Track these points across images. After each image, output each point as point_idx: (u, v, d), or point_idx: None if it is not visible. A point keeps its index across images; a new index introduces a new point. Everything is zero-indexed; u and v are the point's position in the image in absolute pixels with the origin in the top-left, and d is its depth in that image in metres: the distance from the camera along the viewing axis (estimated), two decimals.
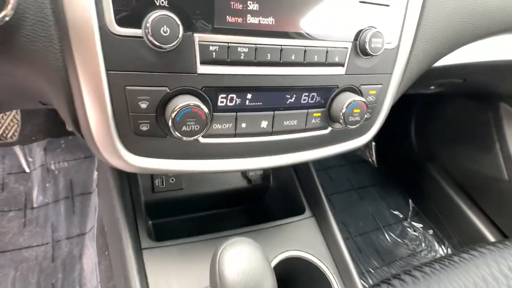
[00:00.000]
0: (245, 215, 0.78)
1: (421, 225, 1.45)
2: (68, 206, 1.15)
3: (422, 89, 0.87)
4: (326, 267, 0.62)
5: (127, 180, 0.61)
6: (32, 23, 0.34)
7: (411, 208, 1.51)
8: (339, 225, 1.17)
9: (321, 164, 1.53)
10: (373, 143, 1.65)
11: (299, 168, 0.73)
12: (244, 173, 0.77)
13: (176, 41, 0.35)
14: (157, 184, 0.69)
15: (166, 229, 0.66)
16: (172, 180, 0.70)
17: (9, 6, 0.30)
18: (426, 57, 0.57)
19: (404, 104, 0.65)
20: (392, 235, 1.40)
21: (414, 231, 1.43)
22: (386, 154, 1.64)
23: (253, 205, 0.79)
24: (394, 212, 1.49)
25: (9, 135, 1.13)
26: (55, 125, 1.23)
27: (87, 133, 0.40)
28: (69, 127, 1.12)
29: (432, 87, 0.85)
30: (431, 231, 1.43)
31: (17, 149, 1.21)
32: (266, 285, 0.37)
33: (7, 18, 0.30)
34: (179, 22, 0.35)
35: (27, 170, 1.18)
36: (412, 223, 1.46)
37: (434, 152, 1.43)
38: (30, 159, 1.20)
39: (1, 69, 0.37)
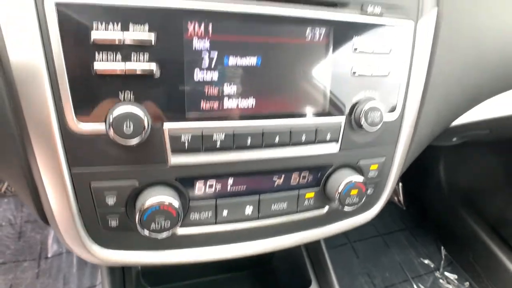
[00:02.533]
0: (249, 281, 0.73)
1: (456, 276, 1.32)
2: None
3: (443, 142, 0.80)
4: None
5: None
6: None
7: (443, 256, 1.38)
8: (364, 276, 1.08)
9: None
10: (400, 184, 1.55)
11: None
12: None
13: (142, 136, 0.33)
14: None
15: None
16: None
17: None
18: (438, 121, 0.51)
19: (430, 148, 0.59)
20: (423, 287, 1.28)
21: (448, 283, 1.30)
22: (414, 195, 1.54)
23: (259, 272, 0.73)
24: (425, 261, 1.37)
25: None
26: None
27: (53, 225, 0.38)
28: None
29: (455, 139, 0.78)
30: (467, 284, 1.30)
31: None
32: None
33: None
34: (145, 116, 0.32)
35: None
36: (445, 273, 1.33)
37: (466, 195, 1.31)
38: None
39: None
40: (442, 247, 1.39)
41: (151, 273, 0.65)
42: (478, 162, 1.25)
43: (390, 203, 1.57)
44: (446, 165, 1.38)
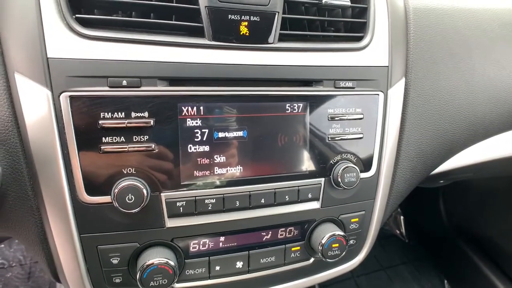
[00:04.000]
0: None
1: None
2: None
3: (431, 184, 0.83)
4: None
5: None
6: (14, 198, 0.38)
7: None
8: None
9: None
10: (401, 217, 1.57)
11: None
12: None
13: (142, 205, 0.38)
14: None
15: None
16: None
17: None
18: (413, 175, 0.56)
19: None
20: None
21: None
22: (416, 228, 1.55)
23: None
24: None
25: None
26: None
27: (64, 282, 0.42)
28: None
29: (442, 181, 0.82)
30: None
31: None
32: None
33: None
34: (144, 187, 0.38)
35: None
36: None
37: (465, 227, 1.33)
38: None
39: None
40: (446, 281, 1.39)
41: None
42: (474, 194, 1.27)
43: (392, 236, 1.58)
44: (445, 197, 1.40)
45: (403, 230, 1.58)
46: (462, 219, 1.34)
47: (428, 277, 1.42)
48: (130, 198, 0.37)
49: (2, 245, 1.24)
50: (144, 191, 0.38)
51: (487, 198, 1.23)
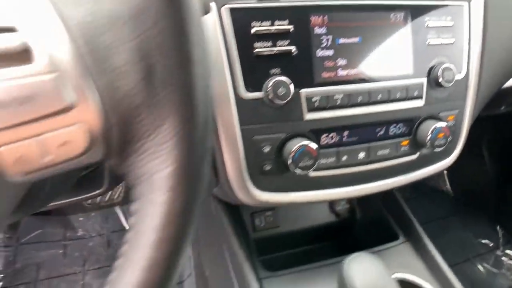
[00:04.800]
0: (337, 247, 0.82)
1: None
2: None
3: (493, 110, 0.89)
4: None
5: (238, 222, 0.70)
6: None
7: (501, 235, 1.42)
8: None
9: None
10: (445, 172, 1.62)
11: (386, 198, 0.78)
12: (332, 208, 0.83)
13: (289, 97, 0.46)
14: (257, 223, 0.77)
15: (268, 264, 0.72)
16: (270, 218, 0.78)
17: None
18: (495, 79, 0.62)
19: (472, 129, 0.67)
20: (486, 265, 1.32)
21: (510, 259, 1.34)
22: (461, 181, 1.60)
23: (344, 239, 0.83)
24: (483, 241, 1.42)
25: (115, 197, 1.30)
26: None
27: (223, 177, 0.50)
28: None
29: (503, 107, 0.88)
30: None
31: (118, 209, 1.38)
32: None
33: None
34: (290, 83, 0.46)
35: (127, 228, 1.33)
36: (506, 251, 1.37)
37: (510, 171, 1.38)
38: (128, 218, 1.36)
39: None
40: (498, 227, 1.43)
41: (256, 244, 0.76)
42: None
43: (439, 191, 1.64)
44: (489, 148, 1.45)
45: (448, 185, 1.63)
46: (506, 164, 1.39)
47: (479, 224, 1.47)
48: (280, 91, 0.45)
49: (81, 218, 1.35)
50: (291, 86, 0.46)
51: None
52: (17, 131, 0.18)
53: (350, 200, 0.84)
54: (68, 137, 0.19)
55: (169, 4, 0.19)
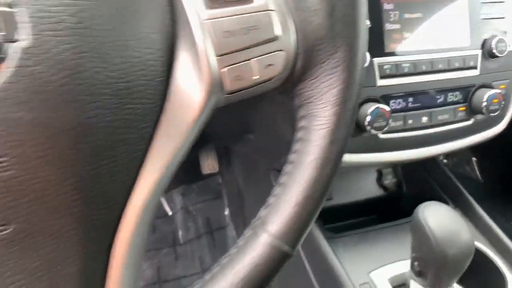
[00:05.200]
0: (387, 220, 0.88)
1: None
2: (209, 240, 1.33)
3: None
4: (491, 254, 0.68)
5: None
6: None
7: None
8: None
9: None
10: (474, 159, 1.66)
11: (432, 170, 0.83)
12: (380, 182, 0.88)
13: (365, 65, 0.52)
14: None
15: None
16: None
17: None
18: None
19: None
20: None
21: None
22: (490, 168, 1.63)
23: (392, 212, 0.89)
24: None
25: None
26: (187, 174, 1.46)
27: None
28: (206, 171, 1.33)
29: None
30: None
31: (161, 197, 1.45)
32: (465, 236, 0.47)
33: None
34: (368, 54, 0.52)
35: (170, 213, 1.41)
36: None
37: None
38: (171, 204, 1.43)
39: None
40: None
41: None
42: None
43: (467, 178, 1.67)
44: None
45: (477, 172, 1.67)
46: None
47: (509, 210, 1.50)
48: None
49: None
50: (367, 54, 0.52)
51: None
52: (240, 54, 0.24)
53: (397, 174, 0.89)
54: (272, 61, 0.25)
55: None
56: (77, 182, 0.21)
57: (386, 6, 0.54)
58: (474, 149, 1.63)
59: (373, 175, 0.89)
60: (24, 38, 0.19)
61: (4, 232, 0.20)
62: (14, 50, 0.18)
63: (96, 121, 0.21)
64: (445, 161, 1.73)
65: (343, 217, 0.87)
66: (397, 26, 0.55)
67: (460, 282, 0.61)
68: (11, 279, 0.21)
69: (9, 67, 0.18)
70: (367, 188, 0.88)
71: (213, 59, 0.24)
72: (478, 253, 0.67)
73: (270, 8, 0.25)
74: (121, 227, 0.24)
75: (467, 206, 0.76)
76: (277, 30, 0.25)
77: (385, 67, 0.55)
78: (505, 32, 0.61)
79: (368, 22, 0.53)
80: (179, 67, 0.24)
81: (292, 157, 0.29)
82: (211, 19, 0.24)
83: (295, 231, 0.27)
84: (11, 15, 0.18)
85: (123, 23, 0.22)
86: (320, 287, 0.68)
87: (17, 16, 0.19)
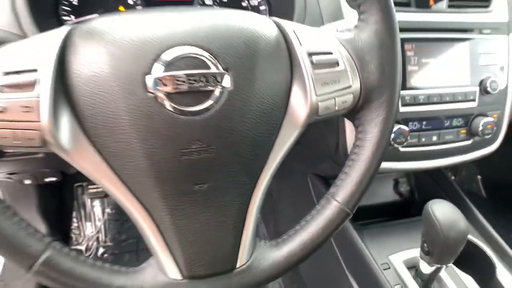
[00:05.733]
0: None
1: None
2: None
3: None
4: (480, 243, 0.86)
5: None
6: None
7: None
8: None
9: None
10: (479, 177, 1.82)
11: (440, 181, 1.02)
12: (396, 188, 1.07)
13: None
14: None
15: None
16: None
17: None
18: None
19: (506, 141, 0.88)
20: None
21: None
22: (494, 186, 1.80)
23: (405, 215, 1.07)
24: None
25: None
26: None
27: (342, 151, 0.76)
28: None
29: None
30: None
31: None
32: (462, 224, 0.65)
33: None
34: None
35: None
36: None
37: None
38: None
39: None
40: None
41: None
42: None
43: (472, 194, 1.83)
44: None
45: (482, 188, 1.83)
46: None
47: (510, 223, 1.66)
48: None
49: None
50: None
51: None
52: (329, 95, 0.44)
53: (410, 183, 1.07)
54: (346, 99, 0.44)
55: (394, 44, 0.44)
56: (247, 160, 0.41)
57: (408, 54, 0.74)
58: (480, 167, 1.80)
59: (391, 184, 1.08)
60: (229, 85, 0.38)
61: (202, 187, 0.40)
62: (223, 93, 0.38)
63: (259, 133, 0.41)
64: (453, 177, 1.91)
65: (368, 216, 1.05)
66: (415, 68, 0.75)
67: (459, 266, 0.79)
68: (204, 213, 0.41)
69: (220, 103, 0.38)
70: (387, 194, 1.07)
71: (314, 97, 0.43)
72: (473, 245, 0.85)
73: (348, 70, 0.44)
74: (256, 190, 0.44)
75: (467, 208, 0.94)
76: (350, 82, 0.44)
77: (406, 97, 0.74)
78: (498, 75, 0.80)
79: None
80: (293, 98, 0.43)
81: (352, 156, 0.48)
82: (316, 75, 0.43)
83: (355, 200, 0.46)
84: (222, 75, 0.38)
85: (270, 72, 0.41)
86: (347, 267, 0.87)
87: (226, 75, 0.38)
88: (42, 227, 1.14)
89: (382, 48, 0.44)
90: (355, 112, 0.47)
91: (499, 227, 1.68)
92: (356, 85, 0.45)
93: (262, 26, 0.42)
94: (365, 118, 0.47)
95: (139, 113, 0.35)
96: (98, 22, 0.38)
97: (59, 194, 1.30)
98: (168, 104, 0.36)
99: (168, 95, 0.35)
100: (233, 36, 0.39)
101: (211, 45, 0.37)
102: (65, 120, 0.36)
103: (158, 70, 0.35)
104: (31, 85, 0.34)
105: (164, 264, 0.41)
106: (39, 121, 0.34)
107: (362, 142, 0.47)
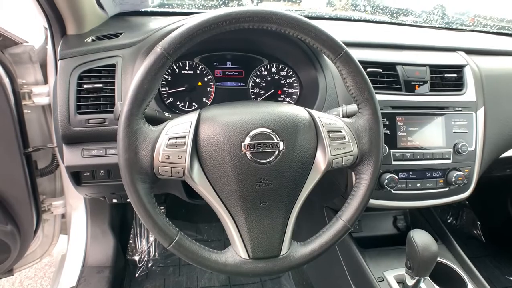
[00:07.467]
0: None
1: None
2: None
3: (501, 172, 1.39)
4: (456, 267, 1.10)
5: None
6: None
7: None
8: None
9: None
10: (478, 222, 2.04)
11: (429, 219, 1.28)
12: (395, 223, 1.33)
13: (385, 153, 1.01)
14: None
15: None
16: (356, 226, 1.30)
17: None
18: (493, 152, 1.15)
19: (500, 187, 1.08)
20: None
21: None
22: (493, 231, 2.01)
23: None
24: (510, 278, 1.79)
25: None
26: None
27: (350, 191, 1.05)
28: None
29: (508, 170, 1.36)
30: None
31: None
32: (433, 247, 0.92)
33: None
34: (387, 147, 1.02)
35: None
36: None
37: None
38: None
39: None
40: None
41: None
42: None
43: (471, 238, 2.04)
44: None
45: (480, 232, 2.04)
46: None
47: (508, 265, 1.84)
48: (383, 152, 1.01)
49: (206, 226, 1.90)
50: (386, 147, 1.01)
51: None
52: (339, 155, 0.75)
53: (407, 220, 1.34)
54: (349, 158, 0.74)
55: (379, 128, 0.76)
56: (290, 190, 0.71)
57: (399, 123, 1.05)
58: (480, 215, 2.02)
59: (391, 220, 1.35)
60: (283, 148, 0.70)
61: (265, 204, 0.70)
62: (279, 153, 0.70)
63: (297, 175, 0.72)
64: (454, 222, 2.14)
65: (371, 245, 1.32)
66: (404, 133, 1.05)
67: (437, 283, 1.05)
68: (264, 219, 0.71)
69: (277, 158, 0.69)
70: (386, 228, 1.33)
71: (330, 156, 0.74)
72: (448, 267, 1.10)
73: (350, 141, 0.75)
74: (294, 208, 0.74)
75: (447, 239, 1.20)
76: (351, 148, 0.75)
77: (396, 155, 1.04)
78: (468, 140, 1.09)
79: (388, 132, 1.03)
80: (317, 156, 0.74)
81: (352, 193, 0.78)
82: (331, 144, 0.74)
83: (354, 219, 0.75)
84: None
85: (305, 141, 0.73)
86: (351, 279, 1.13)
87: (281, 142, 0.70)
88: (110, 235, 1.46)
89: (371, 130, 0.76)
90: (354, 166, 0.78)
91: (499, 266, 1.87)
92: (355, 150, 0.76)
93: (300, 114, 0.74)
94: (360, 170, 0.77)
95: (236, 162, 0.67)
96: (211, 111, 0.71)
97: (122, 212, 1.62)
98: (250, 157, 0.67)
99: (251, 153, 0.67)
100: (285, 121, 0.71)
101: (274, 127, 0.70)
102: (196, 165, 0.68)
103: (247, 140, 0.67)
104: (182, 144, 0.67)
105: (239, 248, 0.71)
106: (184, 163, 0.66)
107: (358, 184, 0.77)
